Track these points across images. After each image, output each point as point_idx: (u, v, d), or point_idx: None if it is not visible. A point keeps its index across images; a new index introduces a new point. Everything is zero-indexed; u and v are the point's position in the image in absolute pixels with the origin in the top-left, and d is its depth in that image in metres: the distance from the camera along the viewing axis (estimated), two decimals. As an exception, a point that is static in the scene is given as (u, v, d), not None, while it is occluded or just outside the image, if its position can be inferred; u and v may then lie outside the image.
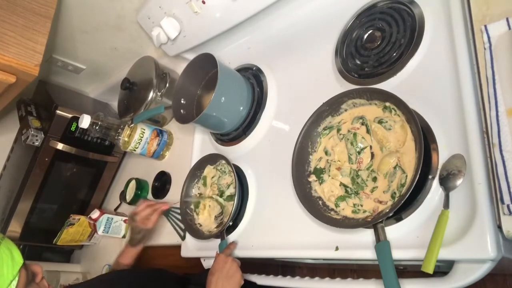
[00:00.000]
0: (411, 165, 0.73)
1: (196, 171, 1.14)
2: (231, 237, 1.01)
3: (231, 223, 1.01)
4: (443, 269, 0.71)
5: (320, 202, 0.85)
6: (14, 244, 0.79)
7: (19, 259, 0.77)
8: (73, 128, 1.41)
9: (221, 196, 1.08)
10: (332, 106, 0.86)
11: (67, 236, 1.49)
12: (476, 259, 0.64)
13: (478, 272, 0.65)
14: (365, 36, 0.90)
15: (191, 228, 1.10)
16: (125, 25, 1.35)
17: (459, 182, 0.67)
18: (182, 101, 1.14)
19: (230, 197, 1.06)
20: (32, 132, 1.36)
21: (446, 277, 0.68)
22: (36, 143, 1.38)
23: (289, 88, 1.05)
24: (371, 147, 0.82)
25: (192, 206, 1.14)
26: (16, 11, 1.03)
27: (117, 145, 1.33)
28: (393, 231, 0.72)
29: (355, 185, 0.82)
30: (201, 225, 1.10)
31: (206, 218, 1.10)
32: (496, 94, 0.62)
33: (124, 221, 1.45)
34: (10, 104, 1.22)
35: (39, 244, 1.66)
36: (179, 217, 1.18)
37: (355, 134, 0.84)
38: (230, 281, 0.88)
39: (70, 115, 1.40)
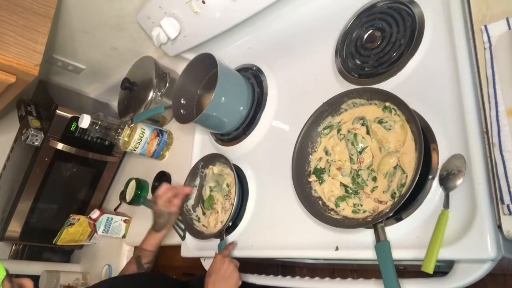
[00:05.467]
0: (411, 165, 0.73)
1: (196, 171, 1.14)
2: (231, 237, 1.01)
3: (230, 223, 1.02)
4: (443, 269, 0.71)
5: (320, 202, 0.85)
6: None
7: (1, 271, 0.74)
8: (73, 128, 1.41)
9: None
10: (332, 106, 0.86)
11: (67, 236, 1.49)
12: (476, 259, 0.64)
13: (478, 272, 0.64)
14: (365, 36, 0.90)
15: (191, 228, 1.10)
16: (125, 25, 1.35)
17: (459, 182, 0.67)
18: (182, 101, 1.14)
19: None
20: (32, 132, 1.36)
21: (446, 277, 0.68)
22: (36, 143, 1.38)
23: (289, 88, 1.05)
24: (371, 148, 0.82)
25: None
26: (16, 11, 1.03)
27: (117, 145, 1.33)
28: (393, 231, 0.72)
29: (355, 185, 0.82)
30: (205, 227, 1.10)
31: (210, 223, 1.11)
32: (496, 94, 0.62)
33: (124, 221, 1.45)
34: (10, 104, 1.22)
35: (39, 244, 1.65)
36: (179, 217, 1.17)
37: (355, 135, 0.84)
38: (227, 282, 0.88)
39: (70, 115, 1.39)
